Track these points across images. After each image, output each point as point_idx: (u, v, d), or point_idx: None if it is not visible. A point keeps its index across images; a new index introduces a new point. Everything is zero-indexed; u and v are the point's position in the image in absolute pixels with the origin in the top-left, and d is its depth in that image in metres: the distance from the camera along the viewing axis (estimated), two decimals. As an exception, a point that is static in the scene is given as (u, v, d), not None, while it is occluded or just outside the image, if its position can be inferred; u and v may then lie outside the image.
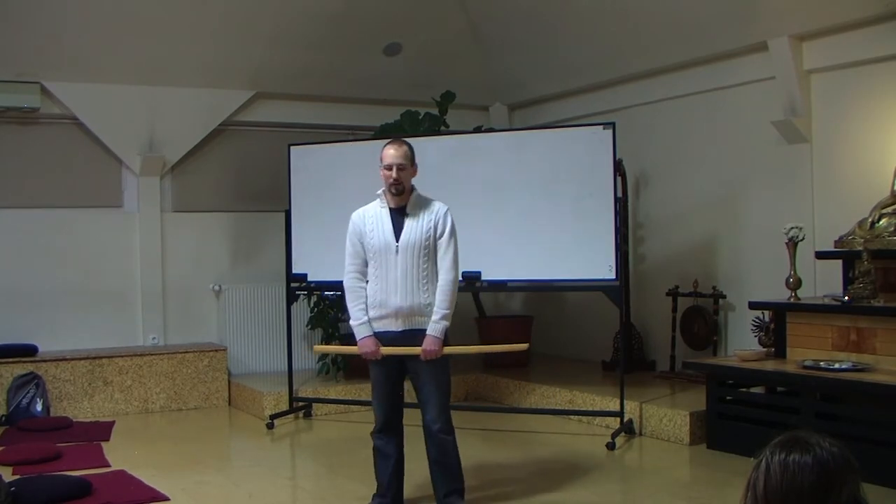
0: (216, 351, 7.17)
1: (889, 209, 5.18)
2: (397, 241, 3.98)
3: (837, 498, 1.60)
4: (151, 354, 6.96)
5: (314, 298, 7.13)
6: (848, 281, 5.22)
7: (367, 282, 4.07)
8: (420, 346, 3.98)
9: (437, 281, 4.01)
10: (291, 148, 6.53)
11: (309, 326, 7.25)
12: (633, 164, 6.94)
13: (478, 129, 7.38)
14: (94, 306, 7.11)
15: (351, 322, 4.09)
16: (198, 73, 7.07)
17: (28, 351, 6.66)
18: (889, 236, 5.08)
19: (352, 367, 7.08)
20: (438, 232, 4.02)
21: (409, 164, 4.03)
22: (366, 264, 4.07)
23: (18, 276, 6.86)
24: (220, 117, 7.40)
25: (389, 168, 4.00)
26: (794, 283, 5.45)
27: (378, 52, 7.42)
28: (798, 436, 1.67)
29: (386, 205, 4.07)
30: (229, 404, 7.12)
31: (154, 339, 7.28)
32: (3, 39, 6.33)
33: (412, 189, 4.09)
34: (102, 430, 6.13)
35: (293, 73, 7.33)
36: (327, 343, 7.12)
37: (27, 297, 6.86)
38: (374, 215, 4.08)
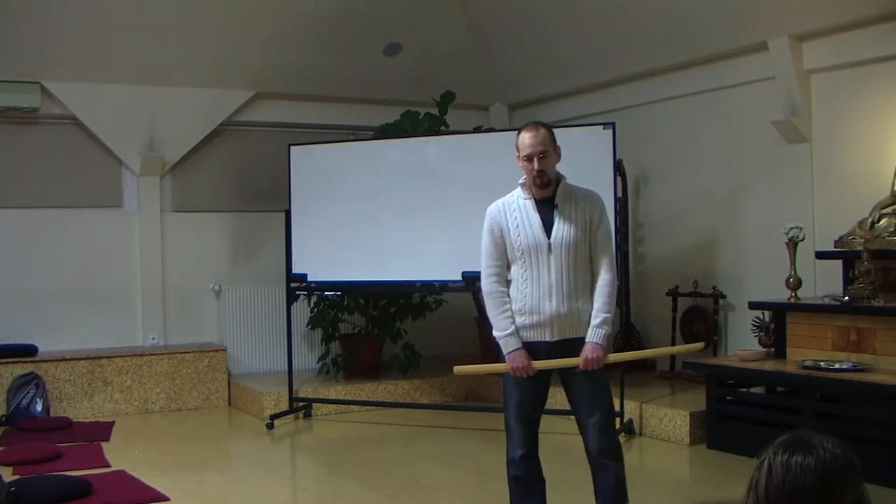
0: (216, 351, 7.17)
1: (889, 209, 5.17)
2: (549, 237, 3.43)
3: (841, 500, 1.59)
4: (151, 354, 6.95)
5: (314, 298, 7.13)
6: (848, 281, 5.22)
7: (507, 285, 3.53)
8: (576, 356, 3.45)
9: (592, 282, 3.48)
10: (291, 148, 6.53)
11: (309, 326, 7.25)
12: (633, 164, 6.94)
13: (478, 129, 7.38)
14: (94, 306, 7.10)
15: (495, 333, 3.51)
16: (198, 73, 7.07)
17: (28, 351, 6.65)
18: (889, 236, 5.08)
19: (352, 368, 7.08)
20: (594, 225, 3.46)
21: (551, 150, 3.47)
22: (508, 266, 3.51)
23: (18, 276, 6.85)
24: (220, 117, 7.39)
25: (530, 159, 3.45)
26: (794, 283, 5.45)
27: (378, 52, 7.42)
28: (801, 436, 1.66)
29: (530, 196, 3.51)
30: (229, 404, 7.12)
31: (154, 339, 7.27)
32: (3, 39, 6.33)
33: (560, 177, 3.53)
34: (102, 430, 6.13)
35: (293, 73, 7.33)
36: (327, 343, 7.12)
37: (27, 297, 6.86)
38: (517, 208, 3.51)
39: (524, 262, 3.46)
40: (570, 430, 5.92)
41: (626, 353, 3.38)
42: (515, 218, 3.49)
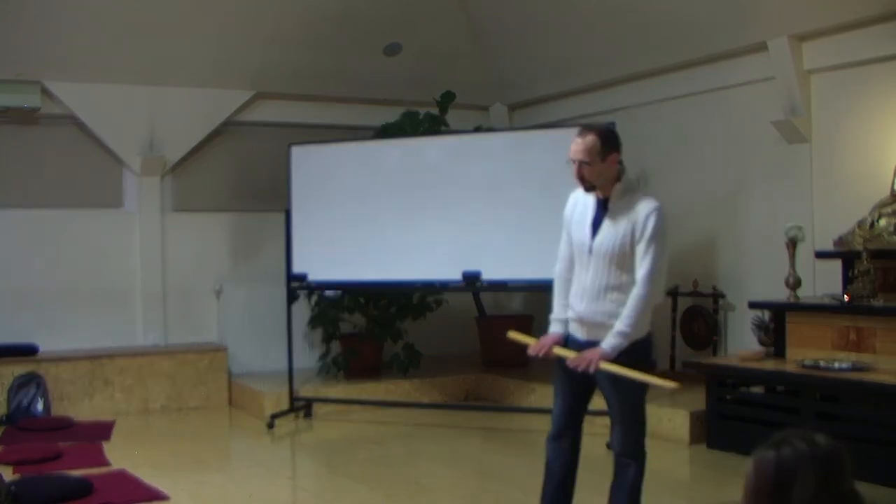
0: (216, 351, 7.17)
1: (889, 209, 5.18)
2: (593, 240, 3.42)
3: (800, 494, 1.62)
4: (152, 354, 6.96)
5: (314, 298, 7.13)
6: (847, 281, 5.22)
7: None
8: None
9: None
10: (291, 148, 6.53)
11: (309, 326, 7.25)
12: (633, 164, 6.89)
13: (478, 129, 7.38)
14: (95, 306, 7.10)
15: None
16: (198, 73, 7.08)
17: (28, 351, 6.65)
18: (889, 236, 5.08)
19: (352, 367, 7.08)
20: (637, 236, 3.34)
21: (596, 160, 3.35)
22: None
23: (18, 276, 6.85)
24: (220, 117, 7.39)
25: (573, 162, 3.40)
26: (794, 283, 5.45)
27: (378, 52, 7.42)
28: (784, 434, 1.70)
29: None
30: (229, 404, 7.12)
31: (154, 338, 7.27)
32: (3, 39, 6.33)
33: (619, 178, 3.42)
34: (103, 430, 6.13)
35: (293, 73, 7.33)
36: (328, 343, 7.13)
37: (27, 297, 6.86)
38: (584, 203, 3.50)
39: (577, 258, 3.51)
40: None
41: (617, 366, 3.39)
42: (579, 213, 3.51)
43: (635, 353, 3.42)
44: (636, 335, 3.40)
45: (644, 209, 3.36)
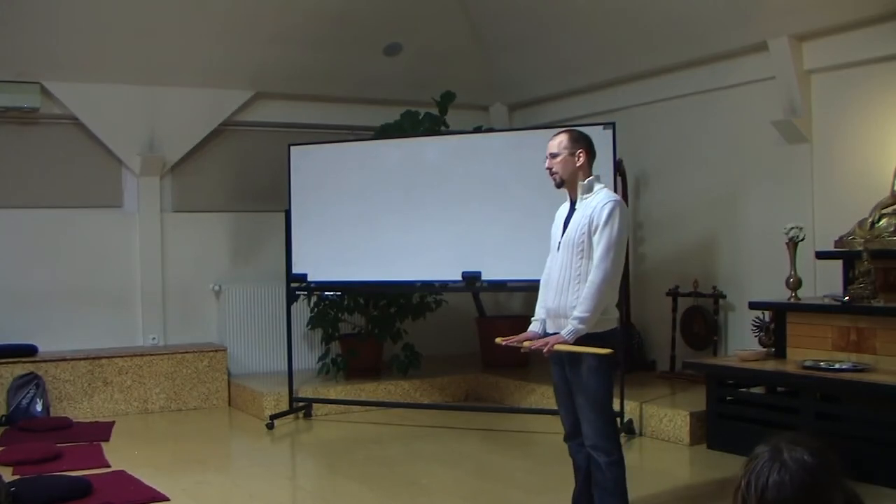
0: (216, 351, 7.17)
1: (889, 209, 5.17)
2: (562, 237, 3.68)
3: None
4: (151, 354, 6.95)
5: (314, 298, 7.12)
6: (848, 281, 5.22)
7: None
8: (562, 352, 3.62)
9: None
10: (291, 148, 6.53)
11: (309, 326, 7.25)
12: (633, 164, 6.94)
13: (478, 129, 7.38)
14: (94, 306, 7.10)
15: None
16: (198, 73, 7.07)
17: (28, 351, 6.65)
18: (889, 236, 5.08)
19: (352, 368, 7.08)
20: (593, 227, 3.57)
21: (563, 152, 3.64)
22: None
23: (18, 276, 6.85)
24: (220, 117, 7.39)
25: (546, 158, 3.71)
26: (794, 284, 5.45)
27: (378, 52, 7.42)
28: (770, 452, 1.63)
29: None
30: (229, 404, 7.12)
31: (154, 339, 7.27)
32: (3, 39, 6.33)
33: (585, 179, 3.67)
34: (102, 431, 6.13)
35: (293, 73, 7.33)
36: (327, 343, 7.13)
37: (27, 297, 6.86)
38: (563, 208, 3.78)
39: (552, 259, 3.76)
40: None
41: (569, 346, 3.56)
42: (560, 215, 3.78)
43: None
44: (601, 327, 3.58)
45: (601, 201, 3.60)
